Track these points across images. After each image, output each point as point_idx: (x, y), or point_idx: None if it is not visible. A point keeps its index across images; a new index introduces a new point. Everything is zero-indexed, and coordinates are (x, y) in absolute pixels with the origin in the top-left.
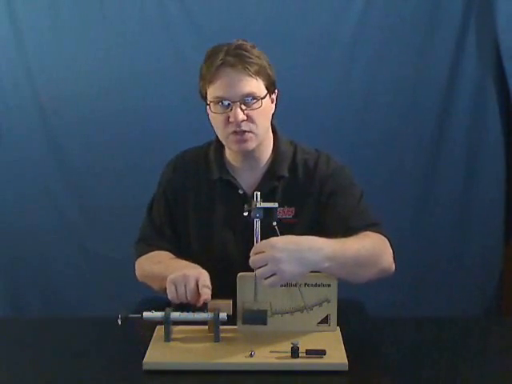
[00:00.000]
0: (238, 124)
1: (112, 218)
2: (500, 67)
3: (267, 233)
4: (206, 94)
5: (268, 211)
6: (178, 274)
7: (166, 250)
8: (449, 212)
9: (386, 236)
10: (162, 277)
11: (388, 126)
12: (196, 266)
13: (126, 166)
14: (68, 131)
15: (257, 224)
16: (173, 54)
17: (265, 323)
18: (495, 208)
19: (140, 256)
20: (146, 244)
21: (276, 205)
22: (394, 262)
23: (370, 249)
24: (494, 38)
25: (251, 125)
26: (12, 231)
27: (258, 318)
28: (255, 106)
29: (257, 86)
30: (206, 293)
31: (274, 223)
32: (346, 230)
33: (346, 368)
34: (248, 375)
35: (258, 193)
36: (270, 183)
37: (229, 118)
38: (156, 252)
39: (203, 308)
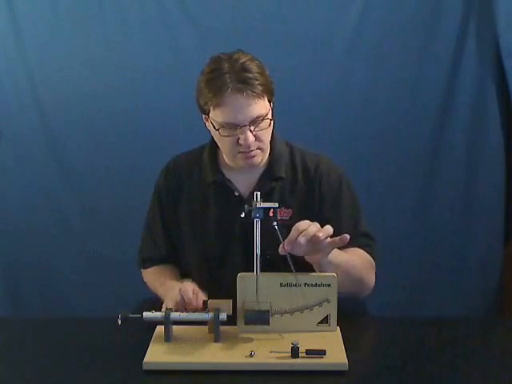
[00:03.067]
0: (249, 146)
1: (112, 217)
2: (500, 67)
3: (266, 234)
4: (208, 110)
5: (267, 212)
6: (167, 300)
7: (165, 259)
8: (449, 212)
9: (374, 256)
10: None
11: (388, 126)
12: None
13: (126, 166)
14: (68, 131)
15: (257, 224)
16: (172, 53)
17: (267, 323)
18: (495, 208)
19: (144, 268)
20: (146, 257)
21: (276, 205)
22: (376, 277)
23: (358, 264)
24: (494, 37)
25: (259, 143)
26: (12, 231)
27: (260, 318)
28: (263, 125)
29: (263, 105)
30: (188, 296)
31: (274, 223)
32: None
33: (346, 368)
34: (248, 375)
35: (259, 193)
36: (267, 184)
37: (238, 139)
38: (158, 270)
39: (203, 308)
